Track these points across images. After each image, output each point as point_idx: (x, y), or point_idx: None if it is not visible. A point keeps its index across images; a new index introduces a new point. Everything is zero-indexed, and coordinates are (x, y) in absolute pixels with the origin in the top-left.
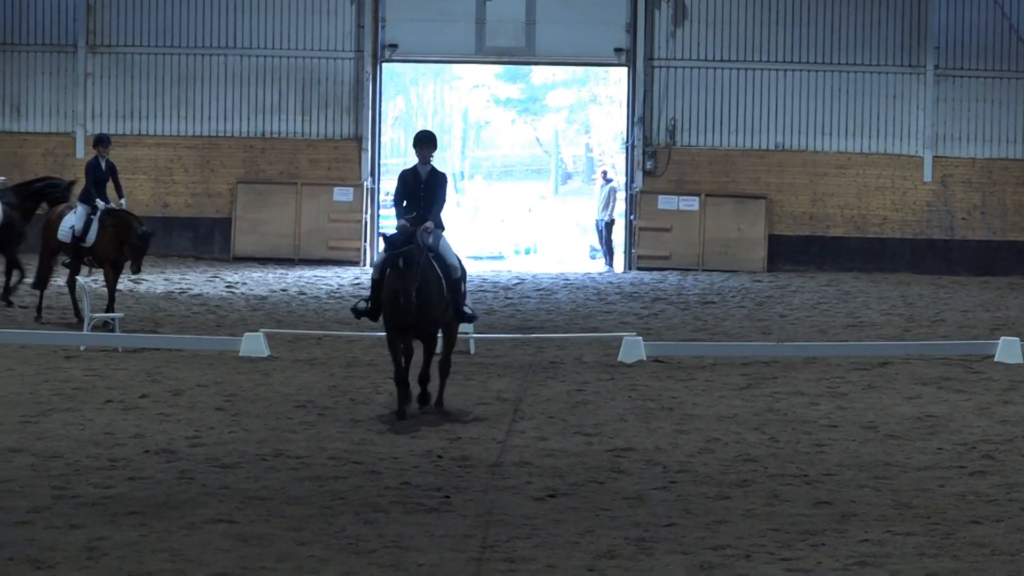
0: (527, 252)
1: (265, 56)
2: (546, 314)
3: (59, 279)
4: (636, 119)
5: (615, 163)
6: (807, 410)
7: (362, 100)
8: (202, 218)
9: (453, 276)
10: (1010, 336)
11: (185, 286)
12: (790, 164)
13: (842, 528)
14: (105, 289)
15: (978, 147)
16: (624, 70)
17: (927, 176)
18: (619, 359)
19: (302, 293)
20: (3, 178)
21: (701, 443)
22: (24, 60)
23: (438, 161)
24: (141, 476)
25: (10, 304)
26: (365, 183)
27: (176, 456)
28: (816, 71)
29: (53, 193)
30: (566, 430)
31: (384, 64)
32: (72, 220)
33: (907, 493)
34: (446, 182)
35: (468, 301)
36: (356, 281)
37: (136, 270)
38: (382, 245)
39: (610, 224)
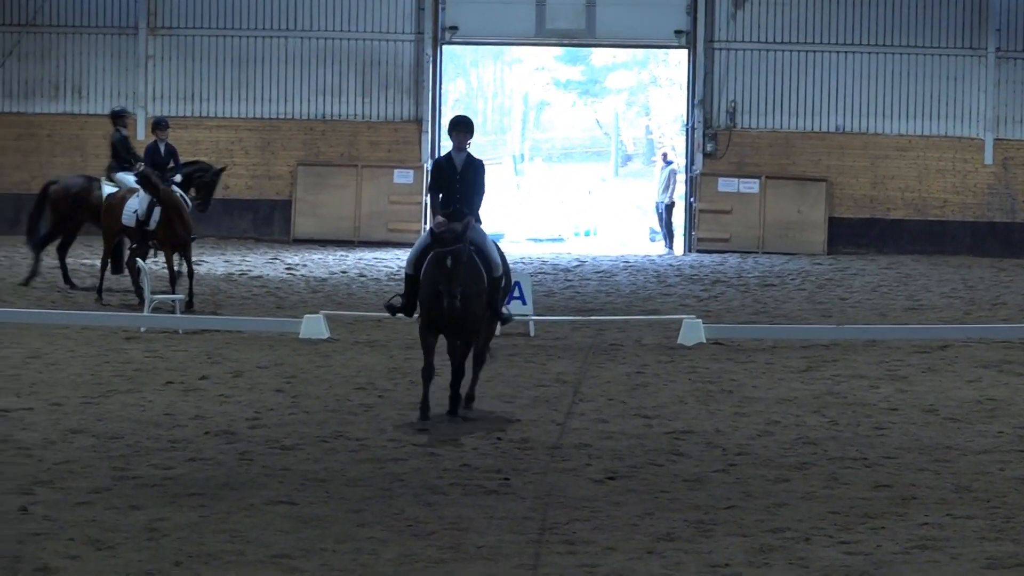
0: (587, 234)
1: (325, 38)
2: (606, 296)
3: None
4: (696, 101)
5: (675, 145)
6: (867, 393)
7: (422, 82)
8: (262, 200)
9: (494, 274)
10: None
11: (245, 268)
12: (850, 147)
13: (902, 511)
14: (166, 271)
15: None
16: (684, 52)
17: (988, 159)
18: (679, 341)
19: (362, 275)
20: (143, 167)
21: (761, 426)
22: (86, 43)
23: (496, 145)
24: (201, 457)
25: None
26: (425, 165)
27: (236, 437)
28: (877, 53)
29: (202, 178)
30: (626, 412)
31: (444, 46)
32: (135, 204)
33: (967, 476)
34: (483, 171)
35: (507, 302)
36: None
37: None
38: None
39: (670, 206)
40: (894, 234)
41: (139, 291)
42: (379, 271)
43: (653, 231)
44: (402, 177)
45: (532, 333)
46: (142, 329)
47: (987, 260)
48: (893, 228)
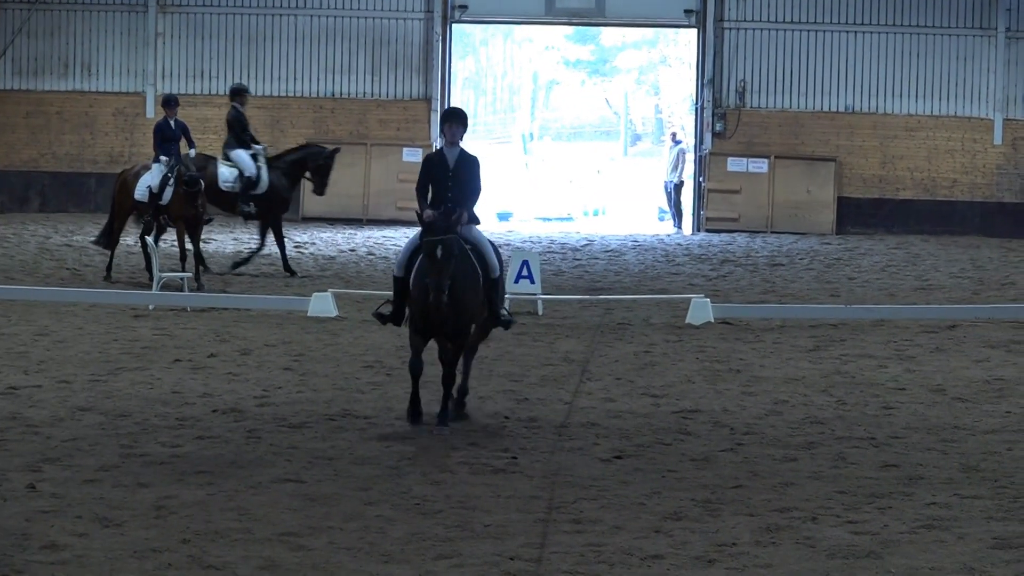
0: (595, 214)
1: (335, 16)
2: (614, 275)
3: (128, 238)
4: (706, 81)
5: (684, 125)
6: (875, 373)
7: (432, 61)
8: None
9: (492, 276)
10: None
11: (254, 245)
12: (860, 126)
13: (909, 491)
14: (175, 249)
15: None
16: (694, 31)
17: (997, 139)
18: (687, 321)
19: (371, 253)
20: (262, 146)
21: (768, 405)
22: (95, 20)
23: (505, 123)
24: (209, 435)
25: (293, 273)
26: (434, 144)
27: (244, 415)
28: (887, 33)
29: (316, 160)
30: (633, 391)
31: (454, 25)
32: (148, 180)
33: (975, 456)
34: (478, 167)
35: (507, 305)
36: None
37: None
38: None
39: (679, 186)
40: (903, 214)
41: (149, 268)
42: (387, 249)
43: (662, 210)
44: (411, 155)
45: (540, 312)
46: (151, 307)
47: (996, 240)
48: (902, 208)
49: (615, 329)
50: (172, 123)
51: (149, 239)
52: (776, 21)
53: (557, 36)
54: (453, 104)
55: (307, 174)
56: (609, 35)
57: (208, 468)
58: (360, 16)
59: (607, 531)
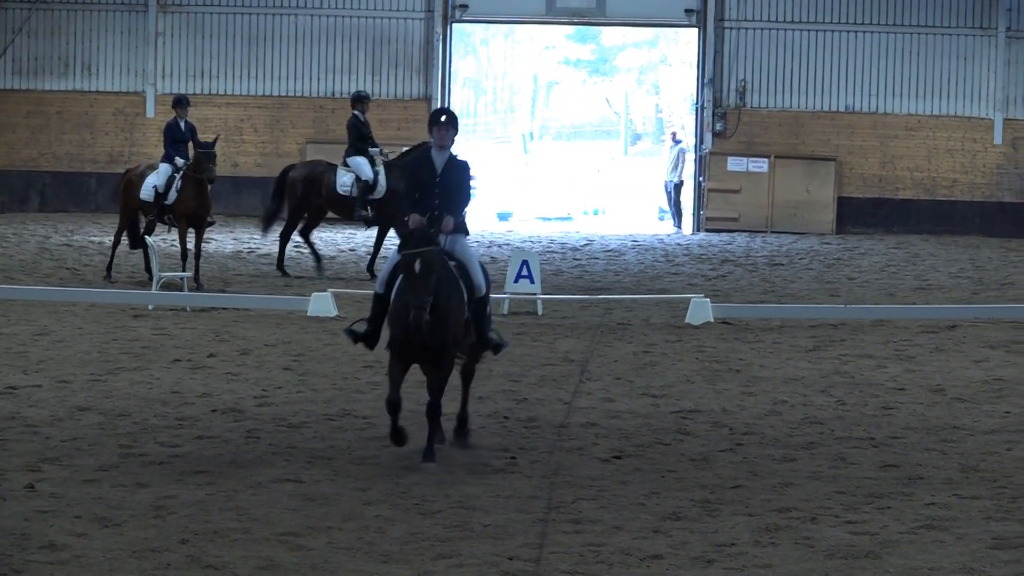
0: (595, 214)
1: (335, 16)
2: (614, 275)
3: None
4: (706, 80)
5: (684, 124)
6: (874, 373)
7: (432, 60)
8: (271, 178)
9: (478, 294)
10: None
11: (254, 245)
12: (860, 126)
13: (908, 491)
14: (176, 249)
15: None
16: (694, 31)
17: (997, 139)
18: (687, 321)
19: (370, 253)
20: (377, 149)
21: (768, 405)
22: (96, 19)
23: (505, 123)
24: (208, 435)
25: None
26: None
27: (243, 415)
28: (887, 32)
29: None
30: (633, 391)
31: (454, 24)
32: (154, 179)
33: (974, 457)
34: (468, 173)
35: (495, 326)
36: None
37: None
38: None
39: (679, 185)
40: (903, 214)
41: (149, 268)
42: (387, 249)
43: (662, 210)
44: None
45: (540, 312)
46: (150, 307)
47: (996, 240)
48: (902, 208)
49: (615, 329)
50: (182, 124)
51: (148, 239)
52: (776, 21)
53: (557, 36)
54: (453, 104)
55: None
56: (609, 35)
57: (207, 468)
58: (360, 16)
59: (606, 531)
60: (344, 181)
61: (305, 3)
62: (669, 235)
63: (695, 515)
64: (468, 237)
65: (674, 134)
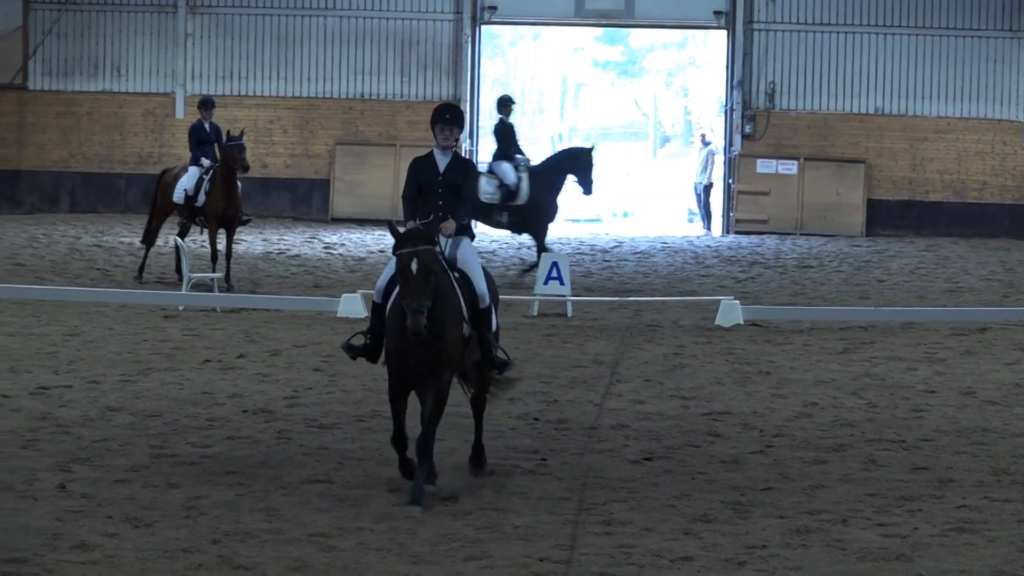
0: (624, 216)
1: (364, 17)
2: (643, 277)
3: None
4: (735, 82)
5: (713, 126)
6: (905, 375)
7: (461, 62)
8: (301, 179)
9: (480, 306)
10: None
11: (283, 247)
12: (889, 128)
13: (939, 494)
14: (206, 249)
15: None
16: (723, 33)
17: None
18: (716, 323)
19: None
20: (524, 156)
21: (798, 407)
22: (125, 21)
23: (534, 125)
24: (239, 436)
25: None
26: (463, 145)
27: (274, 416)
28: (916, 35)
29: (575, 161)
30: (663, 393)
31: (483, 26)
32: (185, 182)
33: (1005, 459)
34: (473, 173)
35: (501, 343)
36: None
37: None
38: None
39: (708, 187)
40: (932, 216)
41: (180, 269)
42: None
43: (691, 212)
44: None
45: (570, 314)
46: (180, 308)
47: None
48: (932, 210)
49: (644, 331)
50: (207, 125)
51: (179, 240)
52: (805, 23)
53: (586, 37)
54: (480, 106)
55: (571, 176)
56: (638, 37)
57: (238, 469)
58: (389, 17)
59: (637, 533)
60: (487, 188)
61: (334, 4)
62: (698, 237)
63: (726, 517)
64: (473, 240)
65: (703, 136)
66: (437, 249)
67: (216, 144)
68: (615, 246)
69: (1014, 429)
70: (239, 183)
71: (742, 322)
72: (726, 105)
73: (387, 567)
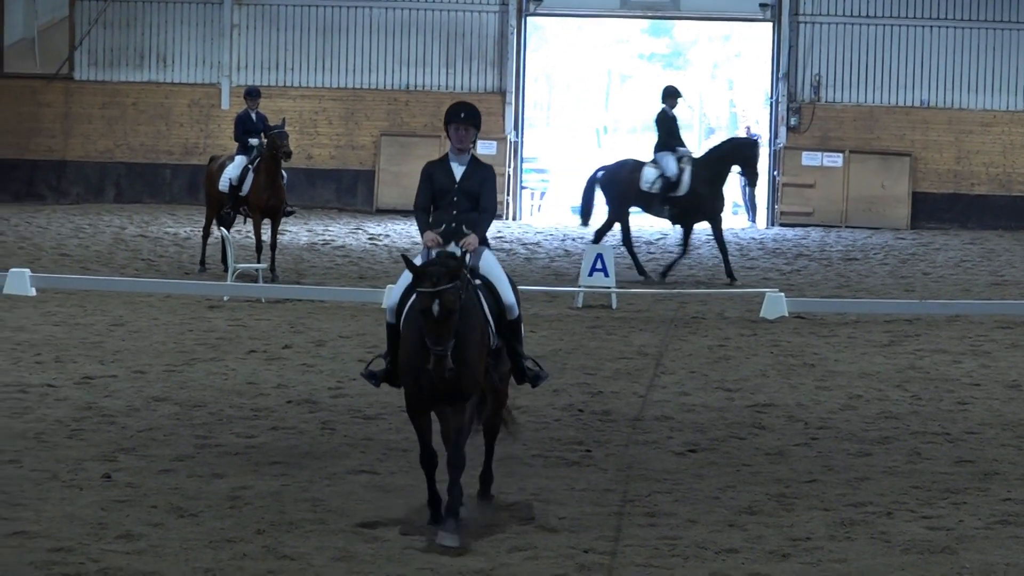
0: None
1: (410, 9)
2: (688, 269)
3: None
4: (780, 75)
5: (759, 119)
6: (950, 368)
7: (506, 54)
8: (346, 170)
9: (509, 316)
10: None
11: (328, 237)
12: (935, 121)
13: (984, 487)
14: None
15: None
16: (769, 25)
17: None
18: (761, 315)
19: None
20: (686, 149)
21: (843, 400)
22: (171, 11)
23: (579, 117)
24: (284, 426)
25: (733, 279)
26: (509, 137)
27: (318, 406)
28: (962, 27)
29: (740, 153)
30: (707, 385)
31: (528, 18)
32: (230, 171)
33: None
34: (493, 180)
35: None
36: (498, 234)
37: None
38: (406, 274)
39: None
40: (978, 209)
41: (225, 259)
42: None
43: (736, 204)
44: (485, 148)
45: (614, 305)
46: (225, 298)
47: None
48: (977, 203)
49: (689, 323)
50: (254, 115)
51: (224, 230)
52: (851, 15)
53: (631, 30)
54: (526, 98)
55: (735, 168)
56: (683, 29)
57: (283, 459)
58: (435, 8)
59: (681, 525)
60: (648, 177)
61: None
62: (743, 229)
63: (770, 509)
64: (489, 250)
65: (748, 128)
66: (459, 285)
67: (262, 133)
68: (660, 238)
69: None
70: (284, 174)
71: (787, 314)
72: (771, 97)
73: (431, 558)
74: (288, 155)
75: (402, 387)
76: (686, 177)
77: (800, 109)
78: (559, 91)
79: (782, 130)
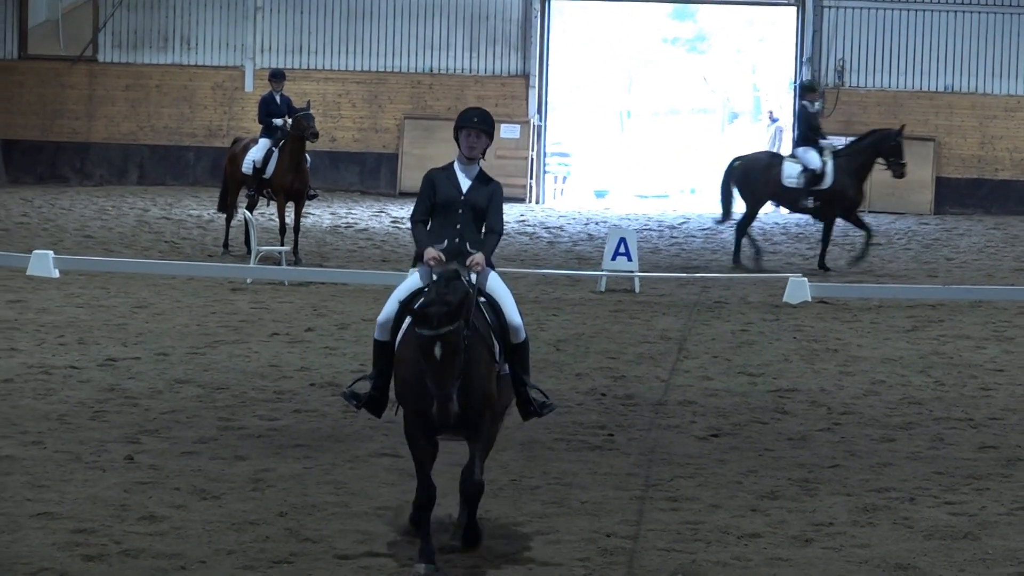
0: (692, 192)
1: None
2: (711, 253)
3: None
4: (804, 59)
5: (782, 103)
6: (973, 354)
7: (530, 37)
8: (369, 153)
9: (515, 340)
10: None
11: (351, 220)
12: (959, 106)
13: (1007, 473)
14: (275, 223)
15: None
16: (793, 10)
17: None
18: (784, 300)
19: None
20: (828, 141)
21: (866, 385)
22: None
23: (602, 101)
24: (306, 409)
25: (827, 269)
26: (532, 120)
27: (341, 389)
28: (987, 12)
29: (885, 144)
30: (730, 370)
31: (552, 1)
32: (254, 154)
33: None
34: (500, 198)
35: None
36: (521, 218)
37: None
38: (400, 310)
39: None
40: (1002, 195)
41: (248, 242)
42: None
43: None
44: (509, 132)
45: (637, 290)
46: (248, 280)
47: None
48: (1001, 189)
49: (712, 307)
50: (278, 97)
51: (248, 213)
52: (875, 0)
53: (656, 13)
54: (549, 81)
55: (880, 161)
56: (707, 13)
57: (305, 442)
58: None
59: (704, 509)
60: (791, 172)
61: None
62: (766, 214)
63: (793, 494)
64: (494, 271)
65: (771, 112)
66: (462, 325)
67: (287, 116)
68: (683, 222)
69: None
70: (307, 156)
71: (810, 299)
72: (795, 82)
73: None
74: (315, 136)
75: (386, 413)
76: (829, 170)
77: (824, 93)
78: (582, 75)
79: None
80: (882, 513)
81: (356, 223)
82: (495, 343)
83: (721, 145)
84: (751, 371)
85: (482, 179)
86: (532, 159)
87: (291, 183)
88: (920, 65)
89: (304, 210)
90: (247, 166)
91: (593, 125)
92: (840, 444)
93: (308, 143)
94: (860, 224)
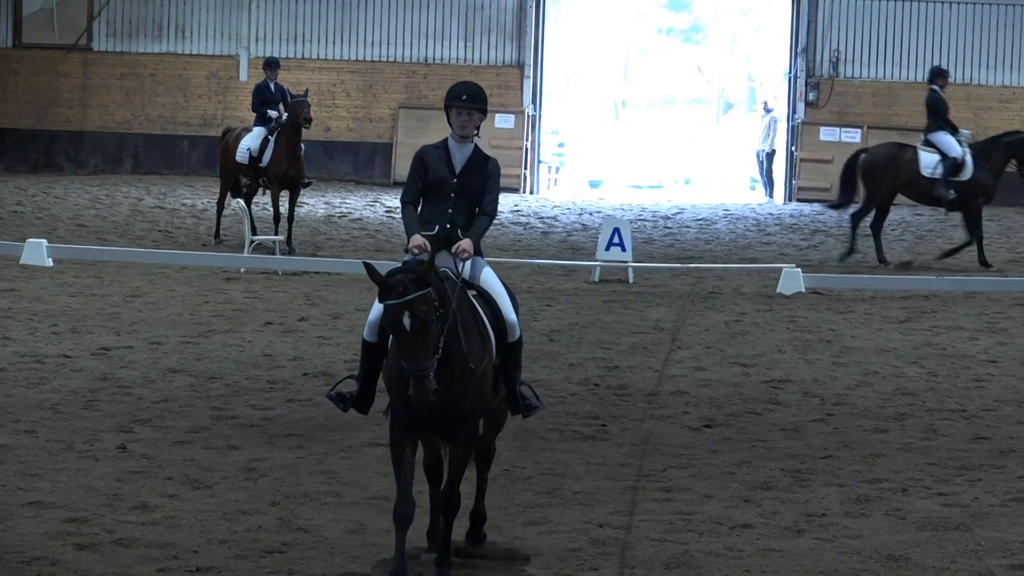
0: (686, 182)
1: None
2: (705, 244)
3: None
4: (799, 50)
5: (777, 94)
6: (966, 345)
7: (524, 27)
8: (363, 143)
9: (509, 339)
10: None
11: (345, 210)
12: (953, 97)
13: (1000, 464)
14: (268, 212)
15: None
16: (788, 0)
17: None
18: (778, 290)
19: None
20: (967, 132)
21: (859, 376)
22: None
23: (597, 90)
24: (299, 398)
25: (988, 265)
26: (527, 110)
27: (334, 379)
28: (981, 4)
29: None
30: (723, 360)
31: None
32: (249, 142)
33: None
34: (497, 179)
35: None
36: (515, 208)
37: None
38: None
39: (771, 155)
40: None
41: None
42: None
43: (753, 179)
44: (503, 122)
45: (630, 280)
46: (242, 270)
47: None
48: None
49: (705, 298)
50: (272, 86)
51: (241, 202)
52: None
53: (650, 3)
54: (544, 71)
55: (1014, 162)
56: (703, 3)
57: (298, 431)
58: None
59: (696, 500)
60: (928, 162)
61: None
62: (760, 204)
63: (785, 485)
64: (487, 267)
65: (766, 103)
66: (430, 292)
67: (281, 104)
68: (677, 213)
69: None
70: (303, 145)
71: (803, 290)
72: (790, 72)
73: None
74: (308, 121)
75: (384, 412)
76: (969, 160)
77: (818, 84)
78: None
79: (800, 105)
80: (874, 504)
81: (350, 212)
82: (490, 334)
83: (716, 136)
84: (744, 361)
85: (477, 159)
86: (527, 149)
87: (287, 171)
88: (915, 56)
89: (298, 199)
90: (242, 155)
91: (588, 115)
92: (833, 435)
93: (303, 130)
94: (977, 224)
